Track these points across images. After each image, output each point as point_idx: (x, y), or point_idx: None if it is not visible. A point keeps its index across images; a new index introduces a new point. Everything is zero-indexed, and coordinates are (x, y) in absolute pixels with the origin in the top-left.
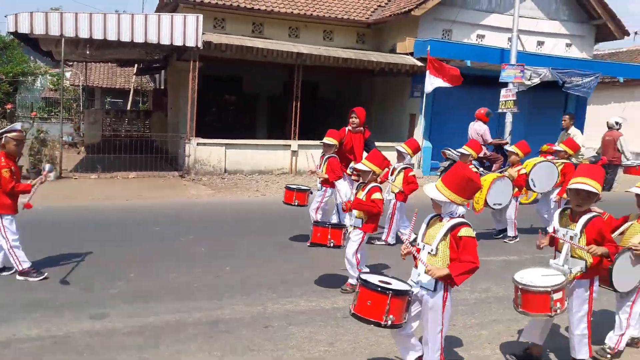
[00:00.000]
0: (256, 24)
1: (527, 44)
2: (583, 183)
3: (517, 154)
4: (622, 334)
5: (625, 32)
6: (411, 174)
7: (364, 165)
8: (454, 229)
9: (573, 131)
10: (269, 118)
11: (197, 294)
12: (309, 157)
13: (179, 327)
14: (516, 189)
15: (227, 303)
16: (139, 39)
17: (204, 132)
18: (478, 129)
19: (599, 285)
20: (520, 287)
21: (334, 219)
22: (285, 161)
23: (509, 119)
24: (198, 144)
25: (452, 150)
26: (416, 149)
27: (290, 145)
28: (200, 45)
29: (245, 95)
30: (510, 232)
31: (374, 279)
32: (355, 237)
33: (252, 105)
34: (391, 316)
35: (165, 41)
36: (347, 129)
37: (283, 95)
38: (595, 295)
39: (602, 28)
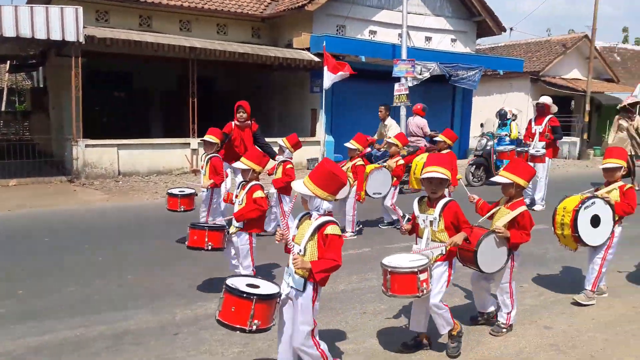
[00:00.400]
0: (143, 17)
1: (416, 40)
2: (434, 171)
3: (397, 145)
4: (510, 312)
5: (502, 28)
6: (289, 166)
7: (243, 163)
8: (321, 227)
9: (389, 122)
10: (164, 115)
11: (98, 307)
12: (185, 156)
13: (81, 343)
14: (395, 179)
15: (133, 313)
16: (9, 32)
17: (93, 132)
18: (418, 122)
19: (467, 266)
20: (389, 270)
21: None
22: (185, 160)
23: (403, 112)
24: (87, 146)
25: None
26: (296, 144)
27: (189, 143)
28: (82, 39)
29: (137, 92)
30: (387, 219)
31: (241, 283)
32: (243, 242)
33: (145, 103)
34: (256, 321)
35: (41, 35)
36: (233, 123)
37: (178, 91)
38: (452, 277)
39: (482, 24)
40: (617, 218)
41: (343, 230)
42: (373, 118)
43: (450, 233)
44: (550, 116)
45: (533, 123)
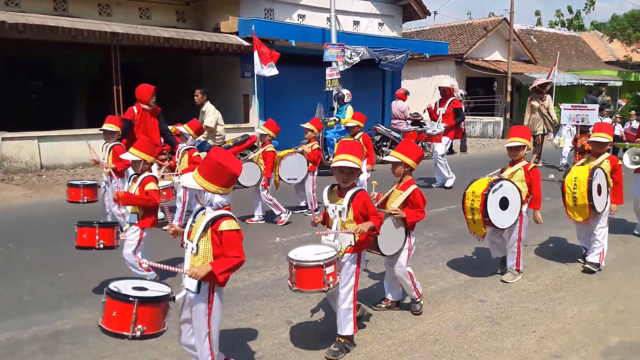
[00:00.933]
0: (58, 2)
1: (345, 24)
2: (345, 160)
3: (312, 130)
4: (417, 300)
5: (426, 12)
6: (195, 154)
7: (132, 154)
8: (213, 222)
9: (206, 107)
10: (88, 105)
11: (29, 308)
12: (88, 145)
13: (12, 346)
14: (311, 164)
15: (68, 312)
16: None
17: (9, 124)
18: (400, 106)
19: (369, 251)
20: (294, 263)
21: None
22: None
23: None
24: (4, 139)
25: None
26: (198, 130)
27: None
28: None
29: (57, 81)
30: (310, 206)
31: (126, 286)
32: (132, 235)
33: (67, 92)
34: (140, 326)
35: None
36: (135, 109)
37: (102, 79)
38: (361, 268)
39: (407, 8)
40: (524, 198)
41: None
42: (308, 102)
43: (359, 224)
44: (452, 99)
45: (438, 105)
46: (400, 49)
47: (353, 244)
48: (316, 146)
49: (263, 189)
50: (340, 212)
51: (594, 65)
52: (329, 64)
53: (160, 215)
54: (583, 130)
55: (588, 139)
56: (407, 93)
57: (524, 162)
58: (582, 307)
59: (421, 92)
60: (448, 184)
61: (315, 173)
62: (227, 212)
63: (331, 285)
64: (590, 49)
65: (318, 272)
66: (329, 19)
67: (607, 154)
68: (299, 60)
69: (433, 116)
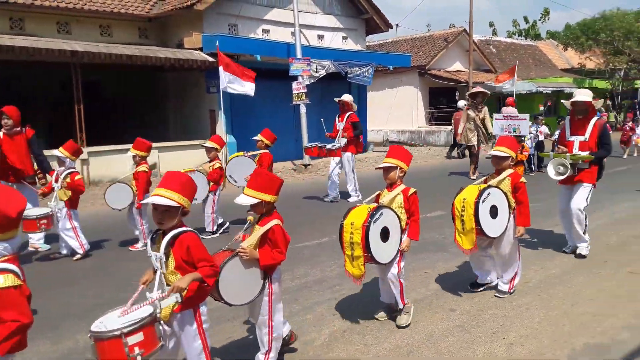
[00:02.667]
0: (14, 20)
1: (309, 38)
2: (157, 196)
3: (216, 149)
4: (267, 351)
5: (389, 25)
6: (78, 177)
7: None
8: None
9: None
10: (49, 125)
11: None
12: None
13: None
14: (212, 184)
15: (29, 345)
16: None
17: None
18: (511, 112)
19: (214, 298)
20: (92, 335)
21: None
22: None
23: (303, 109)
24: None
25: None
26: (75, 152)
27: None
28: None
29: (16, 101)
30: (209, 228)
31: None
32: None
33: (27, 112)
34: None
35: None
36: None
37: (64, 98)
38: (206, 325)
39: (370, 21)
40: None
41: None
42: (275, 116)
43: (183, 274)
44: (350, 112)
45: (337, 120)
46: (365, 61)
47: (180, 301)
48: (217, 165)
49: (137, 212)
50: (161, 260)
51: (550, 73)
52: (295, 78)
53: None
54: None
55: (521, 150)
56: (515, 101)
57: (510, 170)
58: (548, 311)
59: (386, 104)
60: (352, 199)
61: (217, 193)
62: (7, 264)
63: (140, 357)
64: (547, 57)
65: (117, 345)
66: (293, 34)
67: (509, 171)
68: (265, 74)
69: (334, 130)
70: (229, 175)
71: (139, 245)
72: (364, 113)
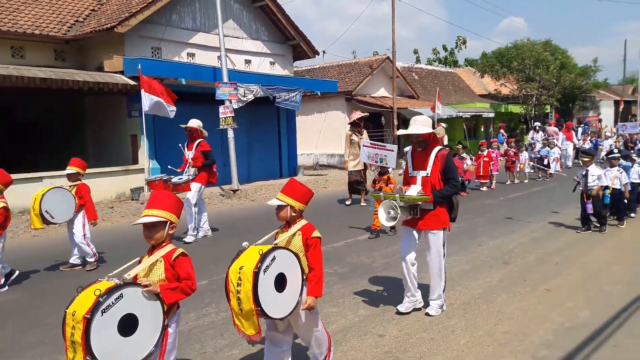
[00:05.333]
0: None
1: (236, 62)
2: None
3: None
4: None
5: (315, 52)
6: (2, 205)
7: None
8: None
9: None
10: None
11: None
12: None
13: None
14: None
15: None
16: None
17: None
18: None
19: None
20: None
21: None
22: None
23: (230, 134)
24: None
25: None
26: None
27: None
28: None
29: None
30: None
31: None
32: None
33: None
34: None
35: None
36: None
37: None
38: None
39: (297, 48)
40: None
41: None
42: None
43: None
44: (200, 140)
45: (185, 149)
46: (293, 86)
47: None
48: (2, 204)
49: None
50: None
51: (469, 99)
52: (223, 102)
53: None
54: (382, 172)
55: (387, 182)
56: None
57: (302, 223)
58: (472, 332)
59: (315, 128)
60: (188, 239)
61: (4, 237)
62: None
63: None
64: (465, 84)
65: None
66: (219, 58)
67: (301, 223)
68: (191, 98)
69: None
70: (45, 211)
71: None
72: (294, 137)
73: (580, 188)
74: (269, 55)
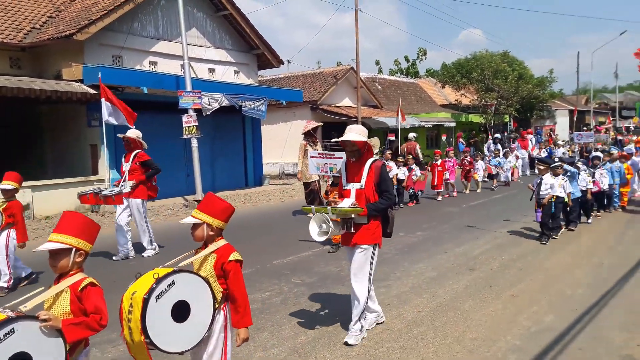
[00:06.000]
0: None
1: (200, 71)
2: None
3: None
4: None
5: (280, 61)
6: None
7: None
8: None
9: None
10: None
11: None
12: None
13: None
14: None
15: None
16: None
17: None
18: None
19: None
20: None
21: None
22: None
23: (194, 144)
24: None
25: None
26: None
27: None
28: None
29: None
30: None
31: None
32: None
33: None
34: None
35: None
36: None
37: None
38: None
39: (262, 57)
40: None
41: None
42: (165, 150)
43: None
44: (137, 151)
45: (123, 160)
46: (258, 95)
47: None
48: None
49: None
50: None
51: (431, 109)
52: (186, 111)
53: None
54: (334, 182)
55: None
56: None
57: (220, 243)
58: (441, 340)
59: (281, 137)
60: (147, 253)
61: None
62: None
63: None
64: (427, 94)
65: None
66: (182, 66)
67: (219, 243)
68: (153, 107)
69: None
70: None
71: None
72: (259, 146)
73: (534, 196)
74: (233, 64)
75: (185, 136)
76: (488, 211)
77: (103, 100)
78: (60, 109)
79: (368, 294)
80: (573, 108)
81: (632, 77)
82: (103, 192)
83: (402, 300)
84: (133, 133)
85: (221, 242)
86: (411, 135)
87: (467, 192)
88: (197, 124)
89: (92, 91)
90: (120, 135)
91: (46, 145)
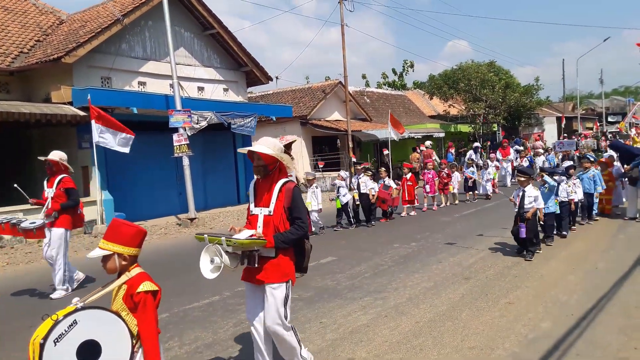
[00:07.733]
0: None
1: (189, 90)
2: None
3: None
4: None
5: (268, 78)
6: None
7: None
8: None
9: None
10: None
11: None
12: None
13: None
14: None
15: None
16: None
17: None
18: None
19: None
20: None
21: None
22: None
23: (186, 162)
24: None
25: None
26: None
27: None
28: None
29: None
30: None
31: None
32: None
33: None
34: None
35: None
36: None
37: None
38: None
39: (250, 74)
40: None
41: None
42: (156, 169)
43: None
44: (63, 176)
45: (45, 185)
46: (247, 112)
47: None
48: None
49: None
50: None
51: (419, 120)
52: (176, 130)
53: None
54: None
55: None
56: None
57: (135, 272)
58: (440, 350)
59: None
60: (56, 295)
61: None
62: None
63: None
64: (415, 106)
65: None
66: (172, 86)
67: (134, 272)
68: (143, 127)
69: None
70: None
71: None
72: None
73: (516, 210)
74: (222, 82)
75: (176, 155)
76: (481, 220)
77: (93, 121)
78: (51, 131)
79: (298, 341)
80: (560, 115)
81: (617, 82)
82: (22, 225)
83: (399, 311)
84: (56, 155)
85: (135, 271)
86: (428, 143)
87: (448, 204)
88: (188, 142)
89: (82, 113)
90: (41, 158)
91: (37, 169)
